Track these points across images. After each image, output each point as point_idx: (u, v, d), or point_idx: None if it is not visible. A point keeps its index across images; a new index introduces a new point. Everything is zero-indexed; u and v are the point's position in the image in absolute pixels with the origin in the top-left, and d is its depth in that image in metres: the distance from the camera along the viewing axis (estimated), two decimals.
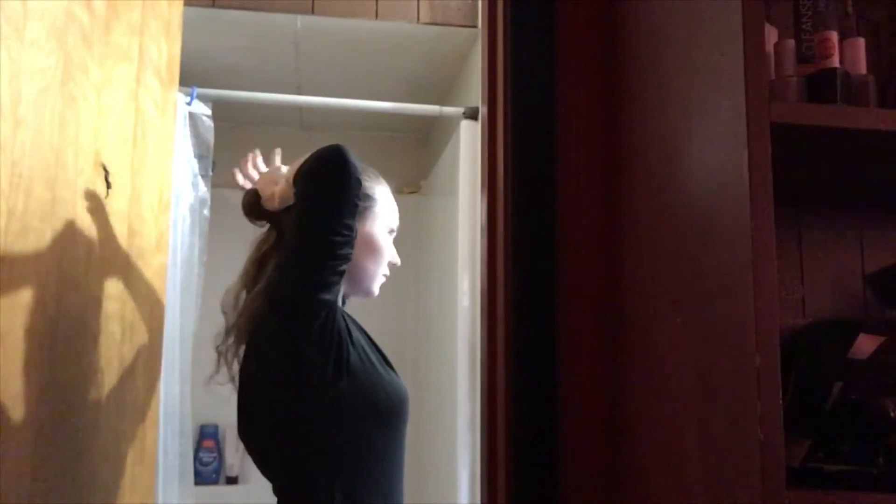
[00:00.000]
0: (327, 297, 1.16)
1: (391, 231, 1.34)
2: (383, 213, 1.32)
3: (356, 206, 1.17)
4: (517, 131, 1.18)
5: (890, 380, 0.93)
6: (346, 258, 1.16)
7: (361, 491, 1.17)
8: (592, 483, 1.10)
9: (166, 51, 1.65)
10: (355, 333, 1.24)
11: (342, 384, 1.16)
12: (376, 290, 1.33)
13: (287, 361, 1.17)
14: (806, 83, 0.92)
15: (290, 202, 1.22)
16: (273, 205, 1.27)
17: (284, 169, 1.30)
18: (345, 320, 1.21)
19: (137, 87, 1.49)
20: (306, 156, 1.21)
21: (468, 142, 2.20)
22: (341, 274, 1.17)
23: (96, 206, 1.31)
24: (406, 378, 1.29)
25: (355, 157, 1.17)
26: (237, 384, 1.26)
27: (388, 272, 1.34)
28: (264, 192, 1.29)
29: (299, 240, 1.17)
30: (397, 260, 1.35)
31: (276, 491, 1.20)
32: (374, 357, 1.24)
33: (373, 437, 1.20)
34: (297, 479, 1.18)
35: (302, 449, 1.18)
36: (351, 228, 1.16)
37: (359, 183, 1.17)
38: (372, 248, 1.29)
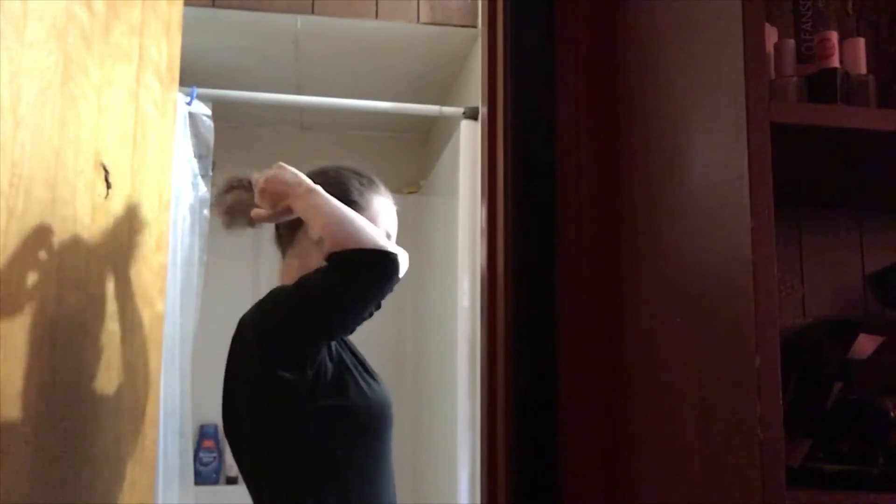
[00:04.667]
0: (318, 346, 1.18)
1: None
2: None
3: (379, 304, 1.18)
4: (517, 131, 1.18)
5: (890, 380, 0.93)
6: (352, 332, 1.19)
7: (338, 499, 1.17)
8: (592, 483, 1.10)
9: (166, 51, 1.65)
10: (335, 348, 1.24)
11: (319, 401, 1.17)
12: None
13: (264, 382, 1.18)
14: (806, 83, 0.92)
15: (292, 217, 1.23)
16: (278, 212, 1.25)
17: (290, 174, 1.26)
18: None
19: (137, 87, 1.49)
20: (342, 220, 1.15)
21: (468, 142, 2.20)
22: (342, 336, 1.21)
23: (96, 206, 1.31)
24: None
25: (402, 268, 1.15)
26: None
27: None
28: (270, 202, 1.25)
29: (316, 312, 1.14)
30: None
31: (255, 498, 1.21)
32: (354, 369, 1.24)
33: (351, 447, 1.20)
34: (278, 489, 1.18)
35: (282, 459, 1.18)
36: (365, 316, 1.17)
37: (391, 290, 1.15)
38: None
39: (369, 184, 1.34)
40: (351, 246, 1.11)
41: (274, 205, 1.24)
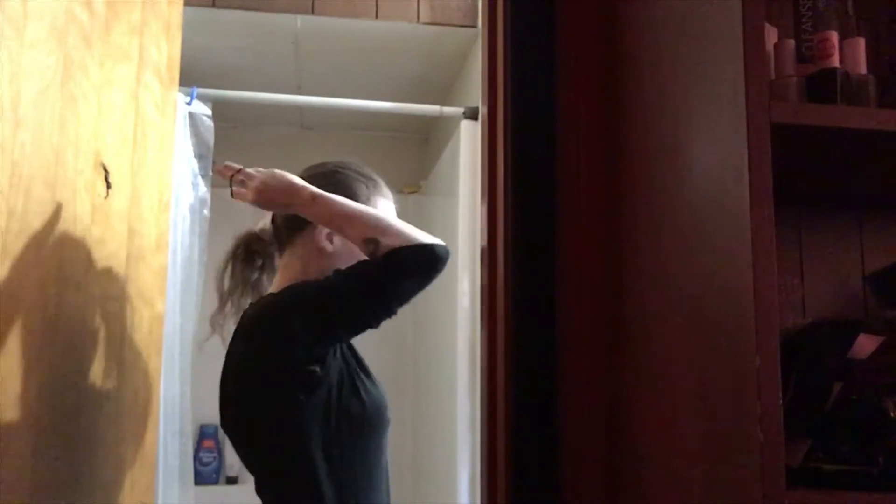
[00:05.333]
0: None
1: None
2: None
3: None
4: (517, 131, 1.18)
5: (890, 380, 0.93)
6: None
7: (333, 498, 1.17)
8: (592, 483, 1.10)
9: (166, 51, 1.65)
10: (337, 346, 1.24)
11: (318, 397, 1.17)
12: None
13: (271, 367, 1.18)
14: (806, 83, 0.92)
15: (325, 225, 1.25)
16: (284, 210, 1.27)
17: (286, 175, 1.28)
18: None
19: (137, 87, 1.49)
20: (377, 218, 1.21)
21: (468, 142, 2.20)
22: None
23: (96, 206, 1.31)
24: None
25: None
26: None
27: None
28: (267, 197, 1.26)
29: (359, 308, 1.19)
30: None
31: (257, 489, 1.22)
32: (353, 368, 1.25)
33: (346, 447, 1.20)
34: (271, 483, 1.19)
35: (274, 455, 1.19)
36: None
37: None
38: (356, 258, 1.28)
39: (374, 186, 1.34)
40: (413, 242, 1.19)
41: (265, 205, 1.27)
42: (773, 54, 0.97)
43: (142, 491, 1.52)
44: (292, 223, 1.30)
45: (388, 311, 1.19)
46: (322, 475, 1.17)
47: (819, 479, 0.84)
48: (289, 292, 1.22)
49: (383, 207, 1.33)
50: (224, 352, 1.27)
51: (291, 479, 1.17)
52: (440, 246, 1.20)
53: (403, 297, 1.19)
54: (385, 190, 1.36)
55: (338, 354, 1.23)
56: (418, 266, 1.18)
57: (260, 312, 1.23)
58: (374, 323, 1.20)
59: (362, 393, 1.23)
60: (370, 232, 1.20)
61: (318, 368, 1.16)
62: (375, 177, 1.36)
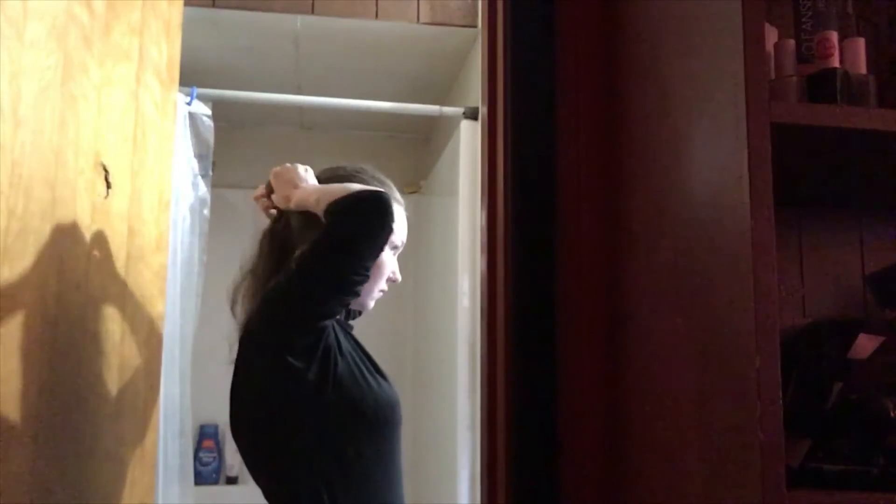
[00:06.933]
0: (326, 323, 1.18)
1: (395, 247, 1.33)
2: None
3: (381, 251, 1.20)
4: (517, 131, 1.18)
5: (890, 380, 0.93)
6: (358, 294, 1.19)
7: (350, 499, 1.17)
8: (592, 483, 1.10)
9: (166, 51, 1.65)
10: (344, 343, 1.24)
11: (328, 395, 1.17)
12: (371, 304, 1.33)
13: (272, 373, 1.17)
14: (806, 83, 0.92)
15: (307, 208, 1.23)
16: (288, 206, 1.27)
17: (301, 169, 1.29)
18: (334, 331, 1.22)
19: (137, 87, 1.49)
20: (339, 185, 1.22)
21: (468, 142, 2.20)
22: (346, 305, 1.19)
23: (96, 207, 1.31)
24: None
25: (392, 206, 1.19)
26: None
27: (385, 288, 1.33)
28: (278, 192, 1.28)
29: (318, 272, 1.17)
30: (398, 276, 1.35)
31: (266, 496, 1.21)
32: (363, 365, 1.24)
33: (361, 445, 1.20)
34: (285, 488, 1.18)
35: (289, 457, 1.18)
36: (369, 269, 1.18)
37: (391, 232, 1.19)
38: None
39: (388, 192, 1.34)
40: (344, 194, 1.18)
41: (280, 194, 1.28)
42: (773, 54, 0.97)
43: (142, 491, 1.52)
44: (306, 232, 1.30)
45: (350, 266, 1.15)
46: (333, 477, 1.17)
47: (819, 479, 0.84)
48: (275, 284, 1.22)
49: (395, 212, 1.33)
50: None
51: (300, 486, 1.17)
52: (368, 189, 1.19)
53: (355, 245, 1.16)
54: (398, 195, 1.36)
55: (344, 348, 1.22)
56: (351, 210, 1.17)
57: (250, 318, 1.24)
58: (347, 286, 1.16)
59: (376, 388, 1.22)
60: (320, 196, 1.21)
61: (297, 362, 1.15)
62: (389, 182, 1.36)
